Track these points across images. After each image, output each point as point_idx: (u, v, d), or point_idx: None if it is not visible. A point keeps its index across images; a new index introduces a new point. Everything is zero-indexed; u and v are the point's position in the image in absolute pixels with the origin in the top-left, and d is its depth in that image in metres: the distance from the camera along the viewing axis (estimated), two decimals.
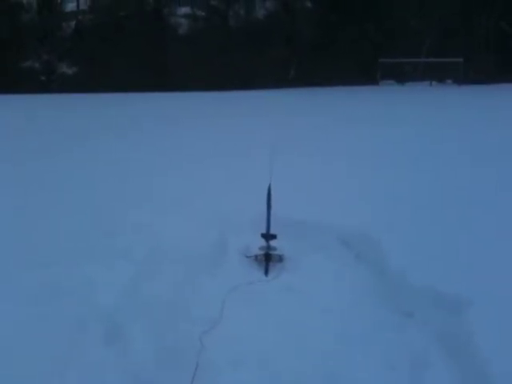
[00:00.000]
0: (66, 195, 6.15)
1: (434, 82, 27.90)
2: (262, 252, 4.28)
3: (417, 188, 6.14)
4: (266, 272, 4.09)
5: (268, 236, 4.34)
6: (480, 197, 5.68)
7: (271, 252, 4.28)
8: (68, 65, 30.70)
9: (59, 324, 3.10)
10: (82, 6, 36.24)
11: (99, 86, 24.22)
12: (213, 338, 3.13)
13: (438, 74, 28.38)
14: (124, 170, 7.49)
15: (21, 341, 2.94)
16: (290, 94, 23.01)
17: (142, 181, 6.74)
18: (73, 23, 35.02)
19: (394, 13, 30.43)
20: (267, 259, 4.20)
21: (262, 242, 4.35)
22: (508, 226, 4.67)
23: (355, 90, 24.51)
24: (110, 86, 24.03)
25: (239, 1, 35.53)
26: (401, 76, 28.83)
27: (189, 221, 4.93)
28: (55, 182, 6.88)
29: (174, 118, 14.25)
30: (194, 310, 3.47)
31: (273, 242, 4.34)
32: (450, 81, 28.40)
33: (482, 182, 6.32)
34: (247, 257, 4.33)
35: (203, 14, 36.04)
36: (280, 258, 4.27)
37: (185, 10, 37.21)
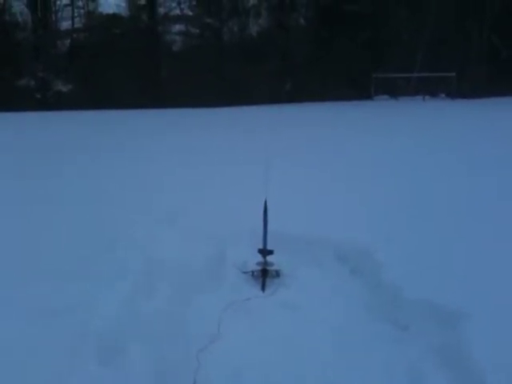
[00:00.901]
0: (64, 209, 6.15)
1: (427, 97, 28.15)
2: (259, 267, 4.27)
3: (413, 200, 6.18)
4: (263, 288, 4.08)
5: (265, 252, 4.33)
6: (476, 208, 5.72)
7: (268, 267, 4.27)
8: (63, 82, 30.79)
9: (56, 340, 3.08)
10: (77, 24, 36.47)
11: (94, 103, 24.32)
12: (210, 355, 3.12)
13: (431, 88, 28.67)
14: (120, 185, 7.48)
15: (17, 359, 2.92)
16: (286, 109, 23.14)
17: (139, 195, 6.74)
18: (68, 41, 35.24)
19: (386, 27, 30.77)
20: (264, 275, 4.19)
21: (259, 257, 4.35)
22: (504, 237, 4.69)
23: (351, 104, 24.73)
24: (105, 103, 24.14)
25: (233, 18, 35.85)
26: (394, 91, 29.10)
27: (185, 235, 4.95)
28: (54, 196, 6.88)
29: (171, 133, 14.29)
30: (191, 326, 3.46)
31: (270, 257, 4.33)
32: (443, 95, 28.70)
33: (478, 194, 6.36)
34: (244, 272, 4.32)
35: (197, 31, 36.35)
36: (277, 274, 4.26)
37: (179, 27, 37.50)
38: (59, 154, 10.88)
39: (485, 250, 4.34)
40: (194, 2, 37.67)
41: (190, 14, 37.64)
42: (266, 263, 4.29)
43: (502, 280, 3.71)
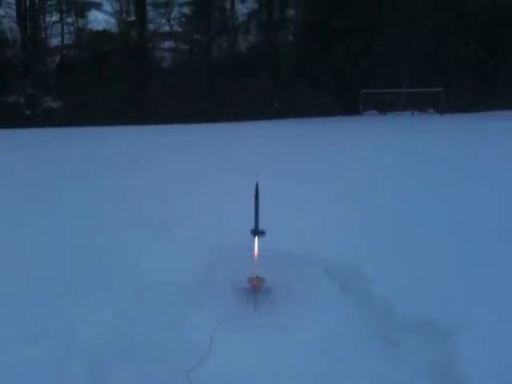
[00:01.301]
0: (54, 220, 6.11)
1: (415, 112, 28.44)
2: (251, 284, 4.22)
3: (403, 214, 6.19)
4: (255, 305, 4.03)
5: (257, 232, 4.29)
6: (466, 221, 5.72)
7: (259, 284, 4.23)
8: (53, 99, 30.75)
9: (41, 363, 3.01)
10: (67, 41, 36.55)
11: (84, 120, 24.28)
12: (201, 375, 3.06)
13: (419, 104, 29.00)
14: (107, 201, 7.41)
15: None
16: (275, 124, 23.23)
17: (126, 211, 6.68)
18: (57, 58, 35.27)
19: (374, 43, 31.15)
20: (256, 292, 4.15)
21: (251, 273, 4.31)
22: (494, 250, 4.69)
23: (339, 120, 24.89)
24: (94, 120, 24.10)
25: (222, 34, 36.14)
26: (383, 106, 29.39)
27: (175, 251, 4.91)
28: (37, 213, 6.80)
29: (161, 149, 14.28)
30: (182, 346, 3.41)
31: (260, 273, 4.29)
32: (431, 110, 29.01)
33: (468, 208, 6.38)
34: (235, 289, 4.28)
35: (187, 47, 36.58)
36: (268, 290, 4.22)
37: (168, 43, 37.73)
38: (46, 169, 10.81)
39: (475, 265, 4.34)
40: (184, 19, 38.02)
41: (180, 30, 37.95)
42: (257, 280, 4.25)
43: (492, 295, 3.70)
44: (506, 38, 31.87)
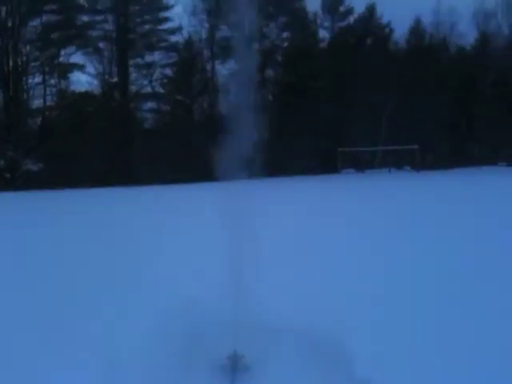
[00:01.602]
0: (18, 292, 5.95)
1: (392, 169, 29.03)
2: (229, 361, 4.16)
3: (388, 281, 6.13)
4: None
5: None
6: (452, 292, 5.67)
7: (238, 360, 4.17)
8: (33, 161, 30.67)
9: None
10: (49, 103, 36.94)
11: (64, 182, 24.23)
12: None
13: (395, 161, 29.65)
14: (73, 271, 7.25)
15: None
16: (255, 183, 23.42)
17: (96, 282, 6.55)
18: (39, 119, 35.53)
19: (350, 102, 32.09)
20: (234, 369, 4.08)
21: (229, 350, 4.25)
22: (482, 329, 4.60)
23: (319, 178, 25.26)
24: (75, 182, 24.07)
25: (203, 95, 37.00)
26: (360, 164, 29.99)
27: (147, 326, 4.79)
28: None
29: (140, 212, 14.25)
30: None
31: (239, 349, 4.23)
32: (408, 167, 29.65)
33: (455, 270, 6.35)
34: (212, 367, 4.20)
35: (168, 108, 37.28)
36: (247, 367, 4.16)
37: (150, 104, 38.42)
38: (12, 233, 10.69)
39: (462, 341, 4.26)
40: (165, 80, 38.92)
41: (162, 91, 38.77)
42: (236, 356, 4.19)
43: (477, 373, 3.66)
44: (478, 97, 33.17)
